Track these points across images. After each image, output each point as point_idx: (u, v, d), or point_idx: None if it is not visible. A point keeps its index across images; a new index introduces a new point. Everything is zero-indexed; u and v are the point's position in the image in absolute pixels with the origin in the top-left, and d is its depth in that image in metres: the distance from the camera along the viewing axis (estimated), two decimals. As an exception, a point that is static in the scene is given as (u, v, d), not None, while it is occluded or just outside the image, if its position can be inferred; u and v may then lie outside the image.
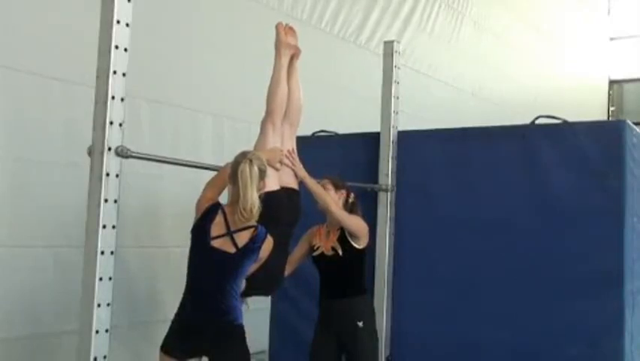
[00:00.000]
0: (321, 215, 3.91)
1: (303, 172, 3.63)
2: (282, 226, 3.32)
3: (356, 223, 3.82)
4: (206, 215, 3.07)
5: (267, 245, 3.11)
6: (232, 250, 3.02)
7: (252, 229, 3.06)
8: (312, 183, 3.70)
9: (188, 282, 3.09)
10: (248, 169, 2.98)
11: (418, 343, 4.33)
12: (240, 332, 3.05)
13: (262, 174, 3.05)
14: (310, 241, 3.92)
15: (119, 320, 3.30)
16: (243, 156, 3.05)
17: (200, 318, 3.01)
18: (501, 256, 4.10)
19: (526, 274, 4.01)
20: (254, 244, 3.05)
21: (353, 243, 3.80)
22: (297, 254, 3.90)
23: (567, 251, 3.91)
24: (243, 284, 3.12)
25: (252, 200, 2.96)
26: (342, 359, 3.89)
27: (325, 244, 3.85)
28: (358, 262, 3.86)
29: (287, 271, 3.83)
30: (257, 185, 3.00)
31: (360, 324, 3.77)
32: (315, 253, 3.87)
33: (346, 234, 3.80)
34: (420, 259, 4.40)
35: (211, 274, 3.02)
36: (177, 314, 3.08)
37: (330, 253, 3.81)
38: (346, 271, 3.83)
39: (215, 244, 3.01)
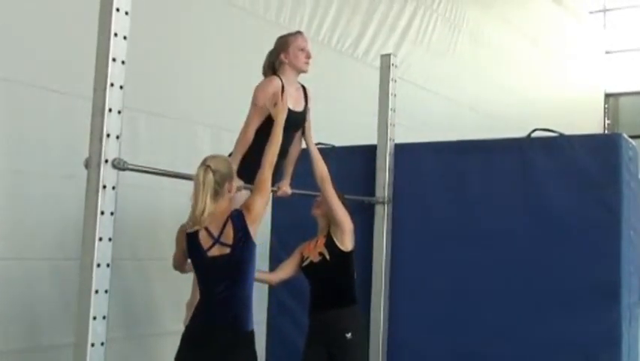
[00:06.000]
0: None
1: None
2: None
3: (344, 213, 3.81)
4: (191, 239, 3.05)
5: (250, 218, 3.04)
6: (227, 250, 3.01)
7: (227, 220, 3.02)
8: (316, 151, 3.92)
9: (200, 296, 3.08)
10: (202, 175, 2.96)
11: (414, 355, 4.32)
12: (249, 338, 3.04)
13: (218, 185, 2.99)
14: (302, 252, 3.94)
15: (116, 332, 3.29)
16: (203, 162, 3.03)
17: (209, 328, 3.00)
18: (497, 268, 4.10)
19: (523, 286, 4.01)
20: (239, 231, 3.01)
21: (339, 245, 3.79)
22: (289, 263, 3.95)
23: (564, 264, 3.92)
24: (253, 287, 3.09)
25: (202, 206, 2.93)
26: None
27: (313, 251, 3.87)
28: (345, 267, 3.85)
29: (277, 279, 3.97)
30: (210, 192, 2.95)
31: (349, 336, 3.74)
32: (304, 264, 3.89)
33: (333, 236, 3.81)
34: (416, 270, 4.40)
35: (219, 282, 3.01)
36: (187, 327, 3.09)
37: (317, 259, 3.82)
38: (334, 279, 3.83)
39: (212, 253, 3.01)
